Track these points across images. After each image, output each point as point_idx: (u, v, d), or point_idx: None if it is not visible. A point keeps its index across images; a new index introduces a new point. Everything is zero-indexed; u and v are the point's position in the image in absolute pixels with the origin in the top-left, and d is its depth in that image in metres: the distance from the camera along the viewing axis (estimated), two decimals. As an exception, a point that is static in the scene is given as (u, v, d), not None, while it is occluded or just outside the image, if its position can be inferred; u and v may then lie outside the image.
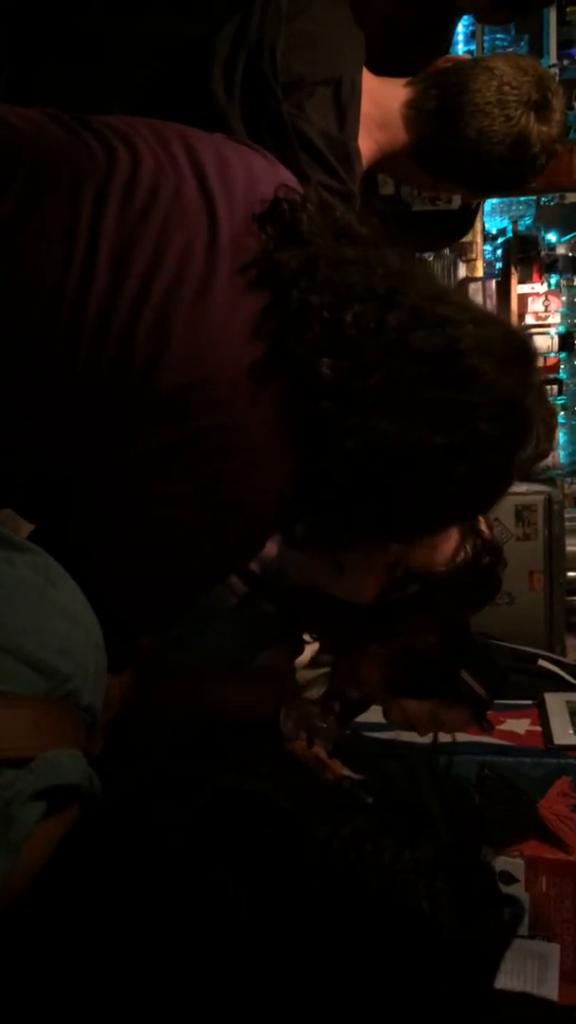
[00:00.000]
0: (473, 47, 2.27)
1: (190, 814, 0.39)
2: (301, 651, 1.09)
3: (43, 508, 0.69)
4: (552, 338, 3.00)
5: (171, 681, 0.85)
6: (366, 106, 1.01)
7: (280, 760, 0.45)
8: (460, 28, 2.10)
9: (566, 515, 2.17)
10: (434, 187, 1.21)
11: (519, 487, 2.08)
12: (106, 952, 0.37)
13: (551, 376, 3.03)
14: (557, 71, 2.38)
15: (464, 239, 2.73)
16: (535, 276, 2.94)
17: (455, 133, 1.05)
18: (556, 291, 2.99)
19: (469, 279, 2.83)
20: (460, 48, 2.28)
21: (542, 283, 2.95)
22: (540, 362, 3.04)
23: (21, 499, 0.71)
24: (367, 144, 1.04)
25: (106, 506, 0.67)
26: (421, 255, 2.61)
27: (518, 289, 2.92)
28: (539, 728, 1.48)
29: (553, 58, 2.40)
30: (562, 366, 3.08)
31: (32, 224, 0.66)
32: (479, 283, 2.83)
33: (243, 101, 0.94)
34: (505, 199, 2.84)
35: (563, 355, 3.06)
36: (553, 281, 3.02)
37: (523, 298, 2.93)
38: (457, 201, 2.52)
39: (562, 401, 3.06)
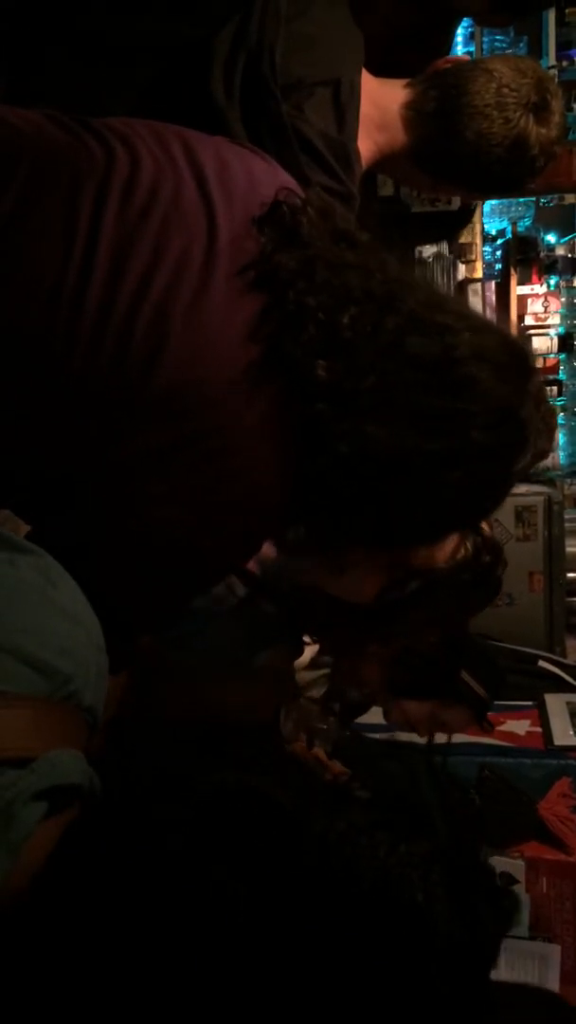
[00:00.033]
0: (472, 48, 2.27)
1: (190, 814, 0.39)
2: (301, 652, 1.09)
3: (43, 508, 0.69)
4: (551, 339, 3.00)
5: (171, 681, 0.85)
6: (365, 107, 1.01)
7: (278, 758, 0.45)
8: (459, 29, 2.11)
9: (566, 516, 2.17)
10: (433, 188, 1.22)
11: (519, 488, 2.08)
12: (106, 952, 0.37)
13: (550, 377, 3.03)
14: (556, 72, 2.38)
15: (463, 240, 2.73)
16: (534, 277, 2.94)
17: (454, 135, 1.06)
18: (555, 292, 2.99)
19: (468, 280, 2.83)
20: (459, 49, 2.28)
21: (541, 284, 2.96)
22: (540, 363, 3.05)
23: (21, 499, 0.71)
24: (366, 145, 1.04)
25: (106, 505, 0.67)
26: (422, 257, 2.62)
27: (517, 290, 2.92)
28: (539, 729, 1.48)
29: (552, 59, 2.41)
30: (561, 367, 3.09)
31: (31, 224, 0.66)
32: (478, 284, 2.83)
33: (243, 102, 0.94)
34: (504, 200, 2.84)
35: (562, 356, 3.06)
36: (552, 282, 3.02)
37: (522, 299, 2.93)
38: (456, 202, 2.52)
39: (562, 402, 3.06)
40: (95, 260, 0.65)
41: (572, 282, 3.05)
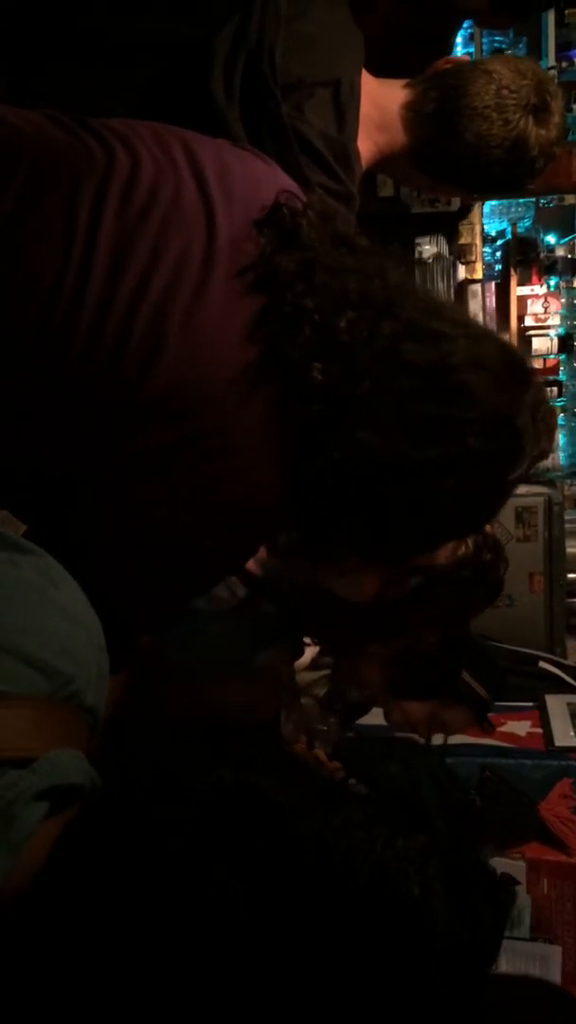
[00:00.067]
0: (472, 49, 2.27)
1: (190, 814, 0.39)
2: (301, 652, 1.09)
3: (42, 508, 0.69)
4: (551, 340, 3.00)
5: (171, 681, 0.85)
6: (365, 107, 1.01)
7: (276, 755, 0.45)
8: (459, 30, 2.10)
9: (566, 517, 2.17)
10: (433, 189, 1.22)
11: (519, 489, 2.07)
12: (106, 951, 0.37)
13: (550, 378, 3.03)
14: (556, 73, 2.38)
15: (463, 241, 2.73)
16: (534, 278, 2.94)
17: (453, 136, 1.06)
18: (555, 293, 2.99)
19: (468, 281, 2.83)
20: (459, 50, 2.28)
21: (541, 285, 2.96)
22: (539, 364, 3.05)
23: (20, 499, 0.71)
24: (366, 145, 1.04)
25: (106, 505, 0.67)
26: (422, 258, 2.62)
27: (517, 291, 2.92)
28: (540, 730, 1.48)
29: (552, 60, 2.41)
30: (561, 368, 3.08)
31: (31, 224, 0.66)
32: (478, 285, 2.83)
33: (243, 102, 0.94)
34: (504, 201, 2.84)
35: (563, 357, 3.06)
36: (552, 283, 3.02)
37: (522, 300, 2.93)
38: (456, 203, 2.52)
39: (562, 403, 3.06)
40: (94, 259, 0.65)
41: (572, 283, 3.05)
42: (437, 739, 1.07)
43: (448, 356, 0.65)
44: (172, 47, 0.97)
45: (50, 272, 0.64)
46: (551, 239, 3.03)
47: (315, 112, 0.97)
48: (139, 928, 0.37)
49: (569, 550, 2.16)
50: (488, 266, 2.91)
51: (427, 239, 2.54)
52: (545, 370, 3.05)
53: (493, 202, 2.82)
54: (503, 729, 1.44)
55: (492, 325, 2.89)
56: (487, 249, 2.91)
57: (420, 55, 1.12)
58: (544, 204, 2.94)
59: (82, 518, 0.68)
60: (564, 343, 3.04)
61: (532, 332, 2.98)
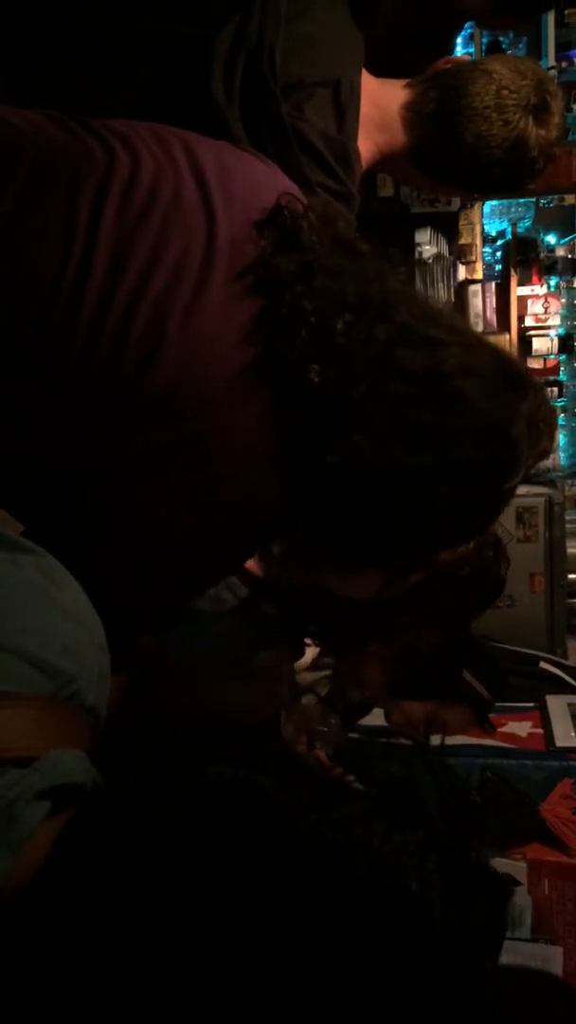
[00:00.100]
0: (472, 49, 2.27)
1: (190, 814, 0.39)
2: (302, 653, 1.09)
3: (42, 508, 0.69)
4: (552, 340, 3.00)
5: (171, 681, 0.85)
6: (365, 107, 1.01)
7: (274, 753, 0.45)
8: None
9: (567, 517, 2.17)
10: (433, 189, 1.22)
11: (520, 489, 2.07)
12: (106, 950, 0.37)
13: (551, 378, 3.03)
14: (556, 73, 2.39)
15: (463, 241, 2.74)
16: (534, 278, 2.94)
17: (453, 137, 1.06)
18: (555, 293, 2.99)
19: (468, 281, 2.84)
20: (459, 50, 2.28)
21: (541, 285, 2.96)
22: (540, 364, 3.05)
23: (20, 499, 0.71)
24: (366, 145, 1.04)
25: (106, 505, 0.67)
26: (422, 258, 2.62)
27: (517, 291, 2.92)
28: (541, 731, 1.48)
29: (551, 60, 2.41)
30: (562, 368, 3.09)
31: (31, 223, 0.66)
32: (478, 285, 2.83)
33: (243, 102, 0.94)
34: (504, 201, 2.84)
35: (563, 357, 3.06)
36: (552, 283, 3.02)
37: (522, 300, 2.93)
38: (456, 203, 2.52)
39: (562, 403, 3.06)
40: (94, 259, 0.65)
41: (572, 283, 3.06)
42: (436, 739, 1.07)
43: (442, 363, 0.65)
44: (172, 47, 0.97)
45: (50, 272, 0.64)
46: (551, 239, 3.03)
47: (315, 112, 0.97)
48: (139, 927, 0.37)
49: (570, 550, 2.16)
50: (488, 266, 2.91)
51: (427, 239, 2.55)
52: (546, 370, 3.05)
53: (493, 202, 2.83)
54: (504, 730, 1.44)
55: (492, 325, 2.89)
56: (487, 249, 2.91)
57: (420, 55, 1.12)
58: (544, 204, 2.95)
59: (82, 518, 0.68)
60: (564, 343, 3.04)
61: (532, 332, 2.98)
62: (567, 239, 3.03)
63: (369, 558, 0.72)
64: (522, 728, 1.48)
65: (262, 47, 0.94)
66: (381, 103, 1.06)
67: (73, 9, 0.98)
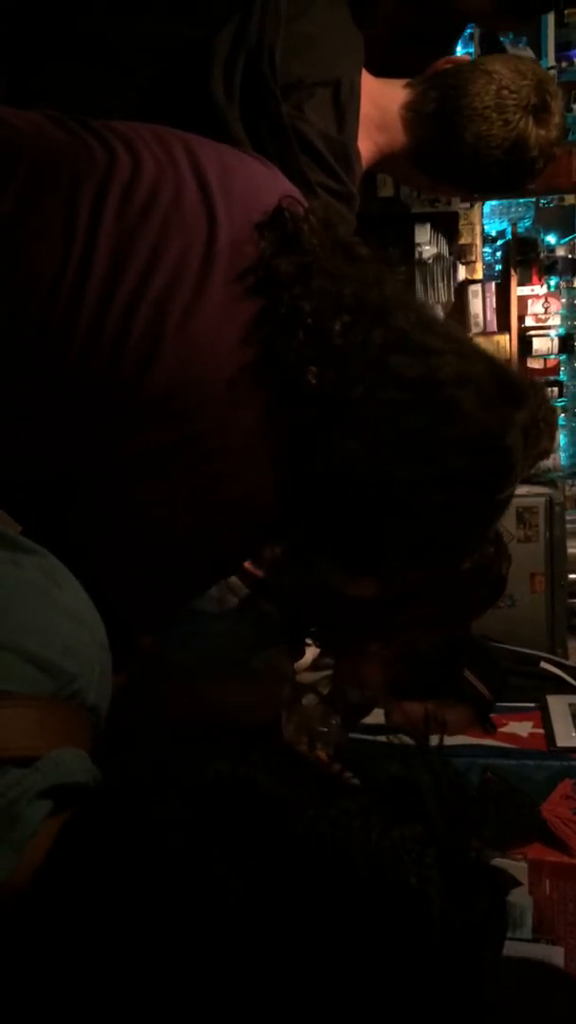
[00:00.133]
0: (472, 49, 2.27)
1: (190, 814, 0.39)
2: (302, 653, 1.08)
3: (42, 508, 0.69)
4: (552, 340, 3.00)
5: (171, 681, 0.85)
6: (365, 107, 1.01)
7: (272, 749, 0.45)
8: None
9: (567, 517, 2.17)
10: (432, 189, 1.22)
11: (520, 489, 2.08)
12: (106, 949, 0.37)
13: (551, 378, 3.03)
14: (555, 73, 2.39)
15: (463, 241, 2.74)
16: (534, 278, 2.95)
17: (453, 137, 1.06)
18: (556, 293, 2.99)
19: (468, 281, 2.84)
20: (459, 50, 2.28)
21: (542, 285, 2.96)
22: (540, 364, 3.05)
23: (19, 499, 0.71)
24: (366, 145, 1.04)
25: (106, 505, 0.67)
26: (422, 259, 2.62)
27: (518, 291, 2.92)
28: (542, 731, 1.48)
29: (551, 60, 2.41)
30: (562, 368, 3.09)
31: (31, 223, 0.66)
32: (478, 285, 2.84)
33: (243, 102, 0.94)
34: (504, 201, 2.85)
35: (563, 357, 3.06)
36: (552, 283, 3.03)
37: (523, 300, 2.93)
38: (456, 203, 2.52)
39: (562, 403, 3.07)
40: (94, 259, 0.65)
41: (572, 283, 3.06)
42: (435, 739, 1.07)
43: (437, 371, 0.65)
44: (172, 47, 0.97)
45: (50, 271, 0.64)
46: (551, 239, 3.03)
47: (315, 112, 0.97)
48: (139, 926, 0.37)
49: (570, 550, 2.17)
50: (488, 266, 2.92)
51: (427, 239, 2.55)
52: (546, 370, 3.06)
53: (493, 202, 2.83)
54: (505, 730, 1.44)
55: (492, 325, 2.90)
56: (487, 249, 2.91)
57: (421, 56, 1.12)
58: (544, 204, 2.95)
59: (82, 518, 0.67)
60: (564, 343, 3.04)
61: (532, 332, 2.98)
62: (567, 239, 3.03)
63: (366, 562, 0.71)
64: (523, 728, 1.48)
65: (262, 47, 0.94)
66: (381, 103, 1.06)
67: (73, 9, 0.98)
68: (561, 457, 3.06)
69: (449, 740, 1.11)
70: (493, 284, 2.89)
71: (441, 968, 0.37)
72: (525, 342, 2.97)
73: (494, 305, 2.86)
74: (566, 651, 2.07)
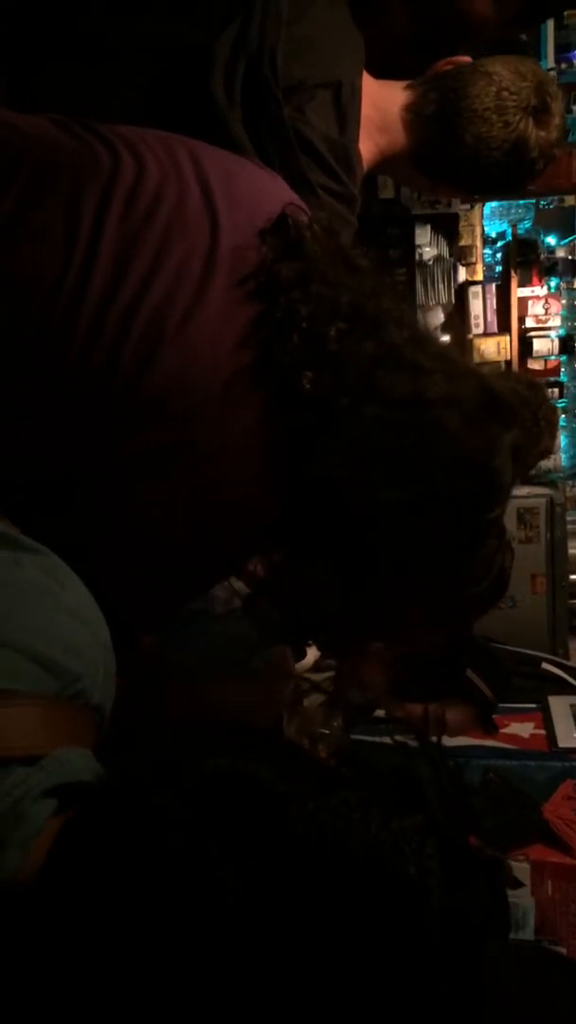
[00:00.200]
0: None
1: (190, 813, 0.39)
2: (303, 655, 1.08)
3: (42, 508, 0.69)
4: (552, 341, 3.00)
5: (171, 681, 0.85)
6: (366, 109, 1.02)
7: (271, 744, 0.45)
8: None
9: (568, 518, 2.17)
10: (433, 190, 1.22)
11: (521, 490, 2.08)
12: (107, 950, 0.37)
13: (551, 380, 3.04)
14: (555, 75, 2.39)
15: (464, 243, 2.74)
16: (535, 279, 2.95)
17: (453, 138, 1.06)
18: (556, 294, 2.99)
19: (469, 283, 2.84)
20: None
21: (542, 286, 2.96)
22: (540, 365, 3.05)
23: (19, 500, 0.71)
24: (367, 147, 1.04)
25: (106, 505, 0.67)
26: (422, 260, 2.62)
27: (518, 292, 2.93)
28: (543, 731, 1.48)
29: (551, 62, 2.42)
30: (563, 369, 3.09)
31: (32, 224, 0.66)
32: (479, 287, 2.84)
33: (244, 104, 0.94)
34: (504, 203, 2.85)
35: (563, 358, 3.06)
36: (553, 284, 3.03)
37: (523, 301, 2.94)
38: (456, 204, 2.52)
39: (563, 404, 3.07)
40: (96, 262, 0.65)
41: (573, 284, 3.06)
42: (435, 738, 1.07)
43: (424, 390, 0.65)
44: (172, 47, 0.97)
45: (51, 272, 0.64)
46: (551, 240, 3.03)
47: (316, 114, 0.97)
48: (139, 926, 0.37)
49: (571, 551, 2.17)
50: (489, 268, 2.92)
51: (428, 241, 2.55)
52: (546, 371, 3.06)
53: (493, 204, 2.83)
54: (506, 731, 1.44)
55: (493, 327, 2.90)
56: (487, 251, 2.92)
57: (421, 58, 1.12)
58: (544, 205, 2.95)
59: (82, 518, 0.68)
60: (565, 344, 3.04)
61: (533, 333, 2.98)
62: (567, 240, 3.03)
63: (358, 572, 0.71)
64: (524, 729, 1.48)
65: (263, 50, 0.94)
66: (382, 105, 1.06)
67: (73, 9, 0.98)
68: (562, 458, 3.06)
69: (450, 741, 1.11)
70: (493, 285, 2.89)
71: (441, 958, 0.36)
72: (525, 343, 2.97)
73: (494, 306, 2.86)
74: (567, 652, 2.07)
